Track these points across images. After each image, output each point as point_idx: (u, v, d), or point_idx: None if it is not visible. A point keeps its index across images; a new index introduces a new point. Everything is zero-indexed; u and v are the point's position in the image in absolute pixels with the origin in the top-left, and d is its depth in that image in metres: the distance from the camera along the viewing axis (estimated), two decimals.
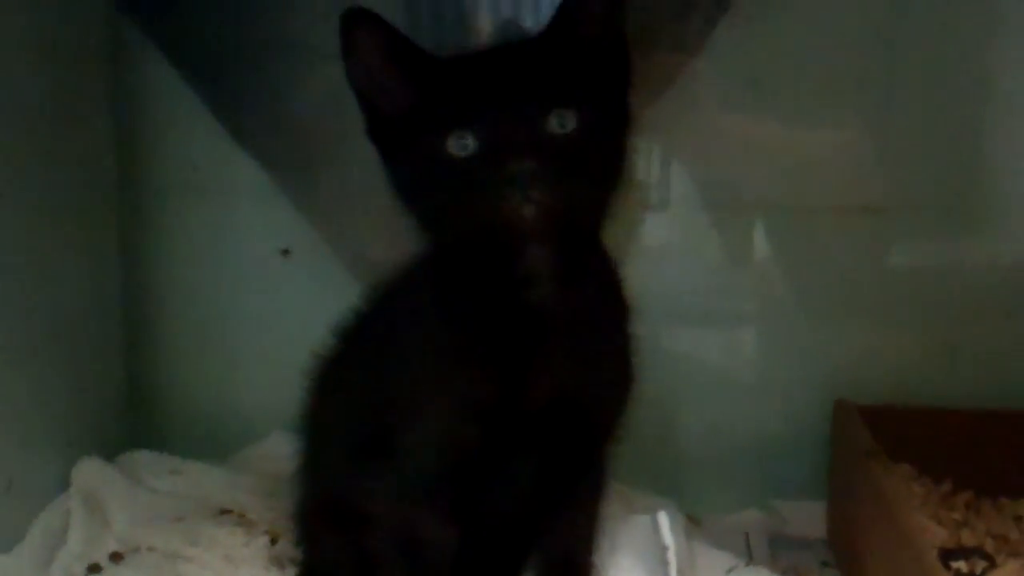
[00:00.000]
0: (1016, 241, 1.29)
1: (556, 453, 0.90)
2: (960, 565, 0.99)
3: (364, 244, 1.28)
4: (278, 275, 1.35)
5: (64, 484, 1.18)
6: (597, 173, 0.82)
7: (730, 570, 1.07)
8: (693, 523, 1.21)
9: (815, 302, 1.32)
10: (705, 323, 1.36)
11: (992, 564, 1.00)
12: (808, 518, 1.24)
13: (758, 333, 1.36)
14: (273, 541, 1.13)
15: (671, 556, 0.96)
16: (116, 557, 1.11)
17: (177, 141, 1.34)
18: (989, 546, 1.06)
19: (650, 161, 1.31)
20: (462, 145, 0.77)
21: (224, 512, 1.19)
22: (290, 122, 1.29)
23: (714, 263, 1.33)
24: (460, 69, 0.82)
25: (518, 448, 0.88)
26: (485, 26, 1.26)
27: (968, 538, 1.08)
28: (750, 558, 1.15)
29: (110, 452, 1.27)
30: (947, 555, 1.00)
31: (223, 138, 1.30)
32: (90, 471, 1.20)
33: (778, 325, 1.34)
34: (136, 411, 1.37)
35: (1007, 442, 1.19)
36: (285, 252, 1.34)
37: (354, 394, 0.95)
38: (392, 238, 1.22)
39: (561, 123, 0.78)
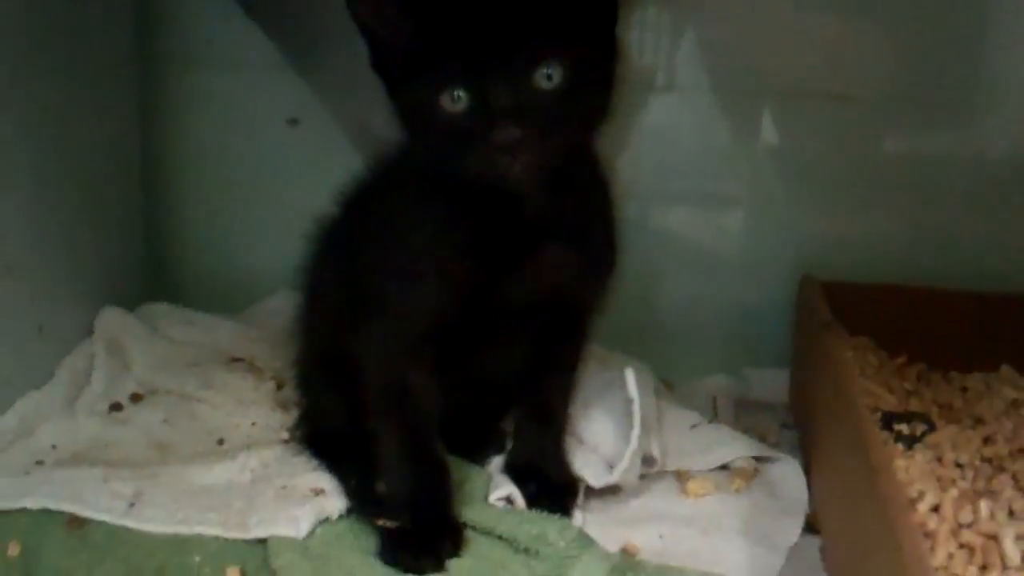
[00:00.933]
0: (989, 137, 1.36)
1: (540, 329, 0.99)
2: (902, 427, 1.07)
3: (367, 115, 1.33)
4: (286, 143, 1.41)
5: (88, 331, 1.28)
6: (584, 119, 0.89)
7: (694, 426, 1.16)
8: (666, 386, 1.31)
9: (798, 185, 1.39)
10: (693, 201, 1.43)
11: (932, 428, 1.08)
12: (772, 384, 1.33)
13: (741, 213, 1.43)
14: (279, 387, 1.23)
15: (635, 408, 1.03)
16: (136, 397, 1.21)
17: (191, 15, 1.39)
18: (933, 413, 1.14)
19: (658, 44, 1.36)
20: (454, 99, 0.83)
21: (235, 360, 1.29)
22: None
23: (711, 145, 1.39)
24: (453, 10, 0.85)
25: (503, 324, 0.97)
26: None
27: (916, 405, 1.16)
28: (715, 417, 1.24)
29: (130, 304, 1.36)
30: (889, 418, 1.08)
31: (235, 12, 1.36)
32: (112, 319, 1.29)
33: (761, 206, 1.41)
34: (154, 267, 1.46)
35: (962, 320, 1.27)
36: (293, 121, 1.41)
37: (352, 258, 1.02)
38: (391, 112, 1.29)
39: (548, 77, 0.83)
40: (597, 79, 0.88)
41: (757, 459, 1.13)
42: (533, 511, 0.99)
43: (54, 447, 1.10)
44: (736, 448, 1.12)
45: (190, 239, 1.47)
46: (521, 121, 0.82)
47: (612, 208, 0.99)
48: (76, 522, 0.95)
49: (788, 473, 1.10)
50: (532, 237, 0.92)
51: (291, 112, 1.40)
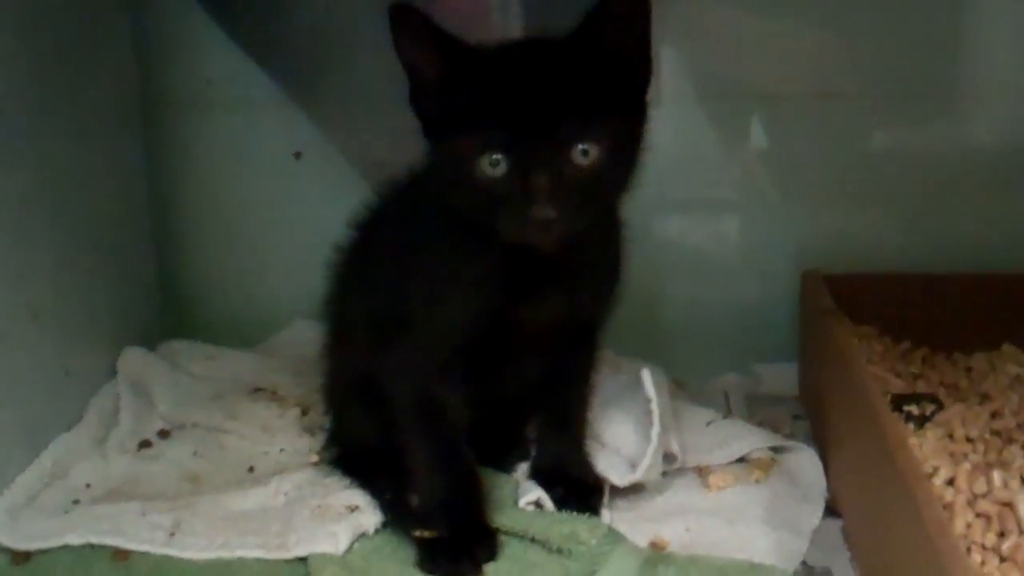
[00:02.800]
0: (973, 126, 1.41)
1: (556, 348, 1.04)
2: (912, 408, 1.11)
3: (368, 145, 1.38)
4: (292, 176, 1.44)
5: (112, 372, 1.31)
6: (617, 190, 0.93)
7: (710, 423, 1.20)
8: (678, 386, 1.33)
9: (791, 185, 1.43)
10: (690, 209, 1.47)
11: (940, 407, 1.12)
12: (782, 378, 1.37)
13: (738, 216, 1.47)
14: (304, 413, 1.26)
15: (654, 407, 1.06)
16: (164, 433, 1.24)
17: (190, 57, 1.42)
18: (941, 394, 1.18)
19: None
20: (494, 163, 0.86)
21: (257, 390, 1.31)
22: (297, 34, 1.37)
23: (703, 153, 1.43)
24: (494, 75, 0.88)
25: (522, 343, 1.01)
26: None
27: (922, 387, 1.20)
28: (729, 413, 1.27)
29: (151, 343, 1.39)
30: (899, 400, 1.12)
31: (234, 51, 1.39)
32: (134, 359, 1.32)
33: (757, 207, 1.45)
34: (172, 306, 1.49)
35: (961, 302, 1.31)
36: (297, 155, 1.44)
37: (376, 282, 1.05)
38: (394, 140, 1.32)
39: (585, 153, 0.86)
40: (630, 150, 0.91)
41: (773, 449, 1.16)
42: (562, 512, 1.02)
43: (88, 486, 1.13)
44: (752, 440, 1.15)
45: (205, 276, 1.50)
46: (558, 201, 0.84)
47: (620, 228, 1.02)
48: (121, 554, 0.98)
49: (804, 461, 1.13)
50: (551, 268, 0.95)
51: (295, 146, 1.43)
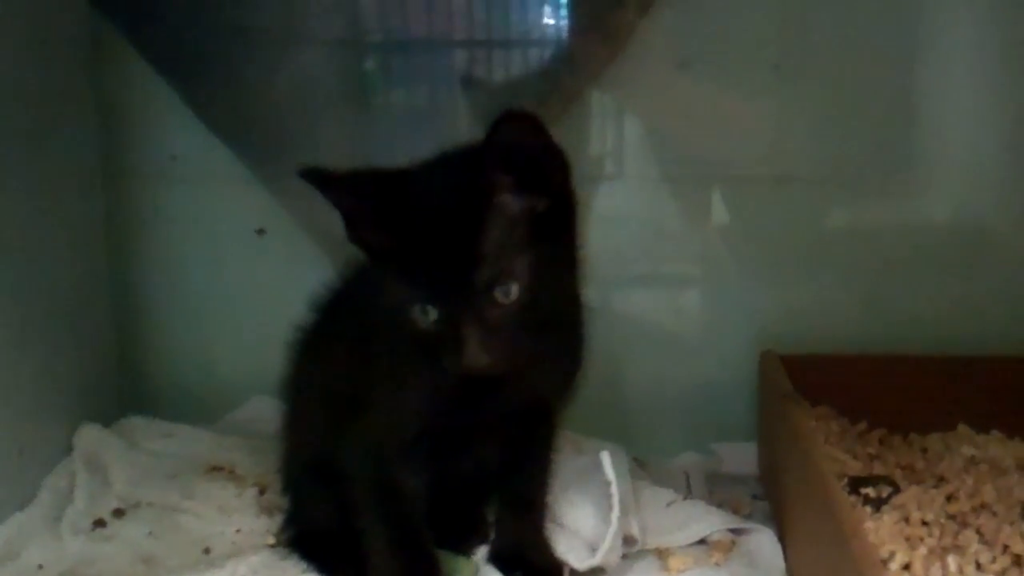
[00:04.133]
0: (928, 206, 1.43)
1: (516, 429, 1.04)
2: (868, 491, 1.11)
3: (332, 222, 1.37)
4: (254, 253, 1.45)
5: (67, 449, 1.29)
6: (552, 312, 0.92)
7: (670, 503, 1.20)
8: (639, 465, 1.34)
9: (749, 264, 1.45)
10: (650, 285, 1.49)
11: (897, 490, 1.12)
12: (742, 458, 1.37)
13: (698, 293, 1.49)
14: (261, 492, 1.24)
15: (614, 490, 1.05)
16: (118, 513, 1.22)
17: (155, 132, 1.43)
18: (897, 475, 1.18)
19: (604, 135, 1.43)
20: (424, 312, 0.88)
21: (215, 469, 1.30)
22: (260, 111, 1.38)
23: (664, 229, 1.45)
24: (406, 220, 0.88)
25: (481, 427, 1.01)
26: None
27: (879, 468, 1.20)
28: (689, 493, 1.27)
29: (107, 420, 1.37)
30: (856, 482, 1.12)
31: (198, 128, 1.40)
32: (90, 436, 1.31)
33: (715, 286, 1.47)
34: (128, 382, 1.47)
35: (918, 383, 1.32)
36: (260, 231, 1.45)
37: (335, 365, 1.06)
38: None
39: (506, 294, 0.86)
40: (558, 269, 0.92)
41: (733, 531, 1.16)
42: None
43: (41, 567, 1.11)
44: (712, 522, 1.16)
45: (163, 352, 1.49)
46: (489, 346, 0.86)
47: (580, 309, 1.02)
48: None
49: (764, 542, 1.13)
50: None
51: (258, 223, 1.44)
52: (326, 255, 1.36)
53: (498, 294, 0.86)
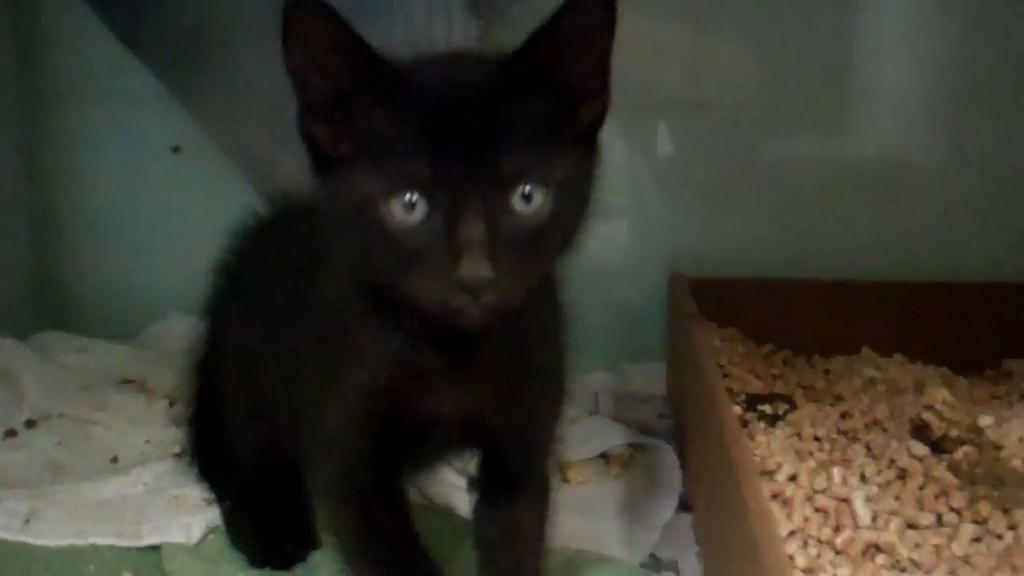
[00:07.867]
0: (850, 140, 1.46)
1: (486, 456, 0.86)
2: (765, 408, 1.15)
3: (248, 140, 1.37)
4: (170, 170, 1.45)
5: None
6: (563, 248, 0.72)
7: (574, 419, 1.22)
8: None
9: (668, 189, 1.47)
10: None
11: (793, 407, 1.16)
12: (651, 377, 1.41)
13: (615, 217, 1.50)
14: (171, 404, 1.25)
15: None
16: (30, 424, 1.23)
17: (70, 50, 1.42)
18: (798, 395, 1.22)
19: None
20: (409, 207, 0.66)
21: (126, 382, 1.31)
22: (177, 29, 1.37)
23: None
24: (413, 90, 0.68)
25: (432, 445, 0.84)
26: None
27: (781, 388, 1.24)
28: (597, 411, 1.30)
29: (22, 333, 1.38)
30: (753, 399, 1.16)
31: (113, 44, 1.39)
32: (4, 350, 1.32)
33: (633, 210, 1.49)
34: (44, 297, 1.48)
35: (825, 308, 1.35)
36: (175, 149, 1.45)
37: (268, 329, 0.92)
38: (274, 136, 1.33)
39: (527, 199, 0.67)
40: (581, 198, 0.72)
41: (634, 446, 1.19)
42: None
43: None
44: (613, 437, 1.19)
45: (79, 267, 1.50)
46: (495, 258, 0.65)
47: (563, 332, 0.84)
48: None
49: (663, 458, 1.16)
50: (470, 352, 0.75)
51: (174, 140, 1.44)
52: (243, 174, 1.37)
53: (517, 198, 0.67)
